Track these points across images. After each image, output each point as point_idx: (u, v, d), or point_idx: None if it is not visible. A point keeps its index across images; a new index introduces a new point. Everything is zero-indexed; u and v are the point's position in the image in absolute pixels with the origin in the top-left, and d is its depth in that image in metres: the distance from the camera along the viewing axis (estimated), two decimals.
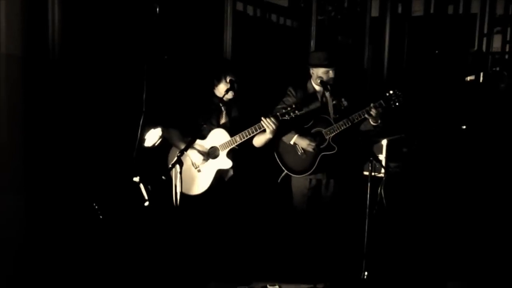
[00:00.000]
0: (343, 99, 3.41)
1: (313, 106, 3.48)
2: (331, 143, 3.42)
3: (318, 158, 3.43)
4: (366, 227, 3.27)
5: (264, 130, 3.28)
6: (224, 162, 3.39)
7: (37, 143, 3.30)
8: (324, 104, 3.49)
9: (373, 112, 3.32)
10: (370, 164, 3.28)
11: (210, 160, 3.40)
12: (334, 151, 3.42)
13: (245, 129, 3.29)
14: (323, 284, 3.48)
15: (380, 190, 3.82)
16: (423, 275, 3.69)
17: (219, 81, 3.45)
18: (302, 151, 3.47)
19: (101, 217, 3.40)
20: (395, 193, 4.20)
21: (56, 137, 3.35)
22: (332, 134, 3.41)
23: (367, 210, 3.25)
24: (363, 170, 3.97)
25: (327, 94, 3.46)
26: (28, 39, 3.24)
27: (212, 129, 3.41)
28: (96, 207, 3.40)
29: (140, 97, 3.53)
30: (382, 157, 4.31)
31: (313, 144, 3.41)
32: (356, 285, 3.37)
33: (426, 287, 3.59)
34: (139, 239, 3.56)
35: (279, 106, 3.57)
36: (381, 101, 3.32)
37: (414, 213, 4.65)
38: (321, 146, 3.43)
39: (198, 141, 3.42)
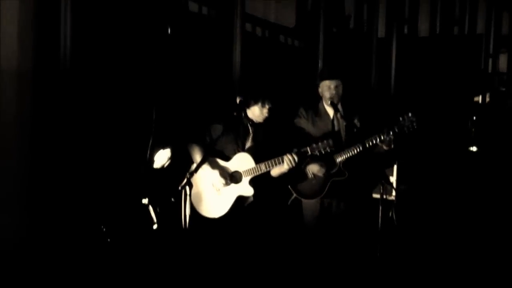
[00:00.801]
0: (355, 121, 3.36)
1: (324, 127, 3.44)
2: (342, 168, 3.34)
3: (328, 184, 3.35)
4: (377, 250, 3.20)
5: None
6: (246, 189, 3.23)
7: (44, 161, 3.26)
8: (336, 126, 3.44)
9: (385, 138, 3.21)
10: (381, 187, 3.22)
11: (232, 185, 3.27)
12: (345, 177, 3.33)
13: (271, 157, 3.16)
14: None
15: (392, 213, 3.76)
16: None
17: (255, 103, 3.27)
18: (312, 175, 3.41)
19: (108, 240, 3.34)
20: (405, 214, 4.15)
21: (64, 156, 3.31)
22: (343, 159, 3.32)
23: (378, 233, 3.19)
24: (373, 193, 3.89)
25: (338, 115, 3.40)
26: (39, 52, 3.24)
27: (238, 151, 3.29)
28: (104, 229, 3.34)
29: (150, 116, 3.49)
30: (393, 179, 4.26)
31: (324, 169, 3.34)
32: None
33: None
34: (147, 263, 3.49)
35: (292, 126, 3.51)
36: (395, 128, 3.19)
37: (425, 234, 4.58)
38: (332, 171, 3.36)
39: (222, 162, 3.29)
